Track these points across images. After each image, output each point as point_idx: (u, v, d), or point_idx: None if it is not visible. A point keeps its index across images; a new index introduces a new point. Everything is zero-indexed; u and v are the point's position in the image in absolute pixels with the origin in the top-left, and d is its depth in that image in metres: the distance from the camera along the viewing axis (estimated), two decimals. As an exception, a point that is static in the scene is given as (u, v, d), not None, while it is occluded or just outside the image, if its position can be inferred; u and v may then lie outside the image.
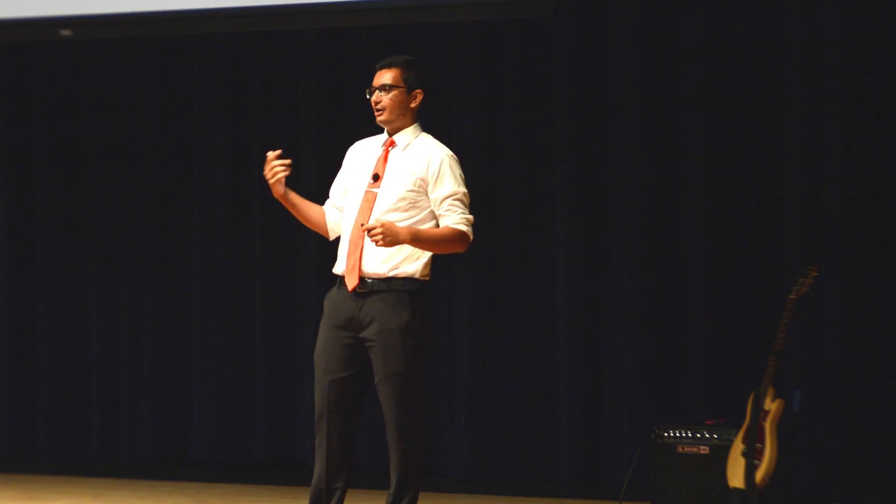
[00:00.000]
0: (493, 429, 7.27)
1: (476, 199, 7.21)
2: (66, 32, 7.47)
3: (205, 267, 7.80)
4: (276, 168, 5.01)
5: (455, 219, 4.93)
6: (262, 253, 7.72)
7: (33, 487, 7.40)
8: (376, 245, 4.79)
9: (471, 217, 4.97)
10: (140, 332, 7.89)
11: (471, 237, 4.96)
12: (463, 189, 4.98)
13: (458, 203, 4.96)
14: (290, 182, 7.60)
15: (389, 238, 4.77)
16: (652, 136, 7.05)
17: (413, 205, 4.95)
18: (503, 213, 7.30)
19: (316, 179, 7.41)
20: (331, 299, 5.02)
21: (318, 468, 5.05)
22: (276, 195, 5.08)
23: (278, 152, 5.00)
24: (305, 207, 5.18)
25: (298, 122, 7.67)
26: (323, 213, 5.17)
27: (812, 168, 6.78)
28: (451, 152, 5.03)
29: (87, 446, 7.96)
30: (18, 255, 8.14)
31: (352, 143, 5.23)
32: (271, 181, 5.04)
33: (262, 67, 7.77)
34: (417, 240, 4.86)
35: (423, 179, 4.95)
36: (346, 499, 5.09)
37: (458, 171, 5.01)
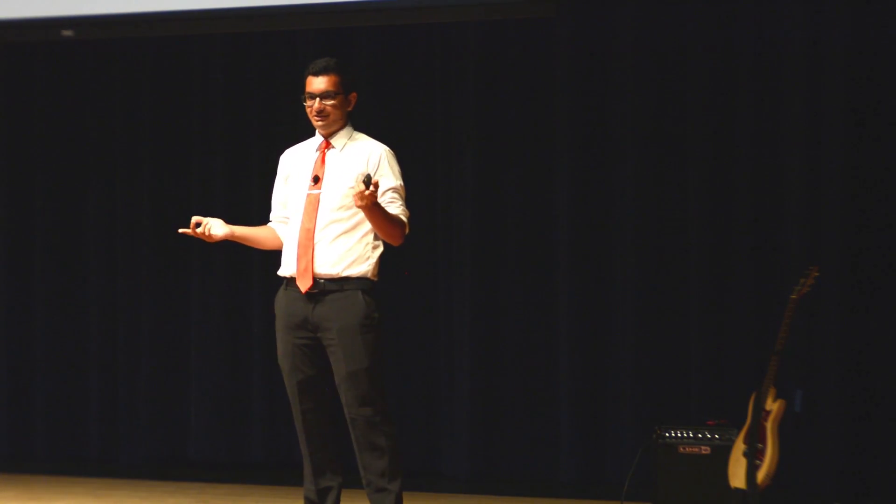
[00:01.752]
0: (494, 429, 7.26)
1: (477, 198, 7.30)
2: (67, 33, 7.47)
3: (203, 267, 7.79)
4: (200, 233, 5.09)
5: (396, 210, 4.99)
6: (261, 253, 7.69)
7: (34, 488, 7.39)
8: (357, 204, 4.79)
9: (406, 211, 5.03)
10: (139, 333, 7.88)
11: (406, 229, 5.02)
12: (400, 182, 5.05)
13: (396, 196, 5.02)
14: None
15: (368, 202, 4.77)
16: (653, 136, 7.05)
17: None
18: (505, 213, 7.30)
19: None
20: (280, 302, 5.09)
21: (306, 470, 5.09)
22: (220, 240, 5.12)
23: (193, 222, 5.07)
24: (254, 234, 5.26)
25: (298, 122, 7.65)
26: (273, 231, 5.25)
27: (813, 168, 6.77)
28: (387, 148, 5.10)
29: (85, 447, 7.95)
30: (17, 255, 8.13)
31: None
32: (208, 240, 5.11)
33: (261, 68, 7.77)
34: (380, 210, 4.86)
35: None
36: (344, 498, 5.09)
37: (395, 165, 5.07)
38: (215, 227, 5.10)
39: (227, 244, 7.66)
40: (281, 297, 5.09)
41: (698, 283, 6.93)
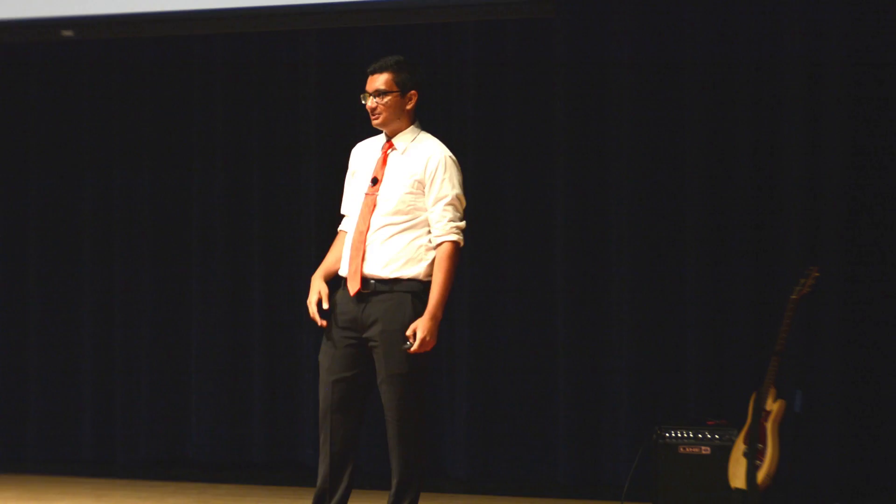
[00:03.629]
0: (494, 429, 7.26)
1: (476, 199, 7.27)
2: (67, 33, 7.47)
3: (203, 266, 7.78)
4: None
5: (442, 229, 4.97)
6: (262, 252, 7.71)
7: (33, 488, 7.39)
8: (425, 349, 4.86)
9: (461, 223, 5.00)
10: (138, 332, 7.87)
11: (461, 244, 5.00)
12: (456, 192, 5.00)
13: (449, 208, 4.98)
14: (291, 182, 7.67)
15: (430, 344, 4.86)
16: (652, 136, 7.05)
17: (412, 207, 4.98)
18: (503, 212, 7.30)
19: (316, 179, 7.42)
20: (335, 300, 5.04)
21: (322, 468, 5.07)
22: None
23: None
24: (336, 261, 5.13)
25: (299, 122, 7.67)
26: (342, 245, 5.15)
27: (813, 168, 6.77)
28: (449, 153, 5.04)
29: (84, 447, 7.94)
30: (12, 255, 8.11)
31: (352, 142, 5.23)
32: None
33: (262, 68, 7.76)
34: (440, 306, 4.90)
35: (419, 181, 4.98)
36: (349, 499, 5.09)
37: (454, 172, 5.02)
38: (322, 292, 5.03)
39: (231, 241, 7.73)
40: (337, 296, 5.04)
41: (698, 283, 6.93)
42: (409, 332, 4.86)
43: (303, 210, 7.57)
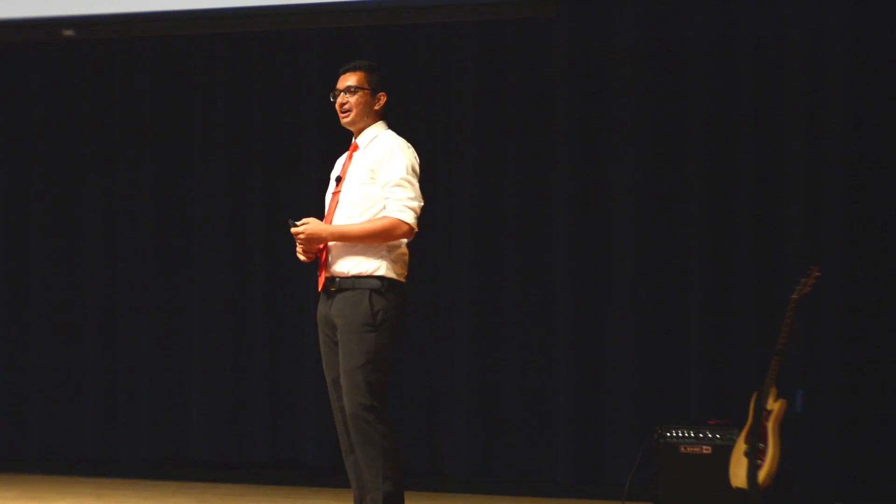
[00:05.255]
0: (494, 429, 7.26)
1: (476, 198, 7.30)
2: (69, 32, 7.47)
3: (205, 266, 7.79)
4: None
5: (393, 206, 4.98)
6: (263, 252, 7.71)
7: (35, 487, 7.39)
8: (299, 252, 4.98)
9: (413, 204, 4.99)
10: (139, 331, 7.87)
11: (410, 224, 4.98)
12: (402, 174, 5.00)
13: (395, 189, 4.99)
14: (292, 181, 7.67)
15: (307, 244, 4.96)
16: (653, 136, 7.06)
17: (366, 197, 5.01)
18: (504, 212, 7.30)
19: (316, 178, 7.40)
20: (319, 302, 5.13)
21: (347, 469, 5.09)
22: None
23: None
24: None
25: (299, 122, 7.67)
26: None
27: (814, 168, 6.78)
28: (402, 141, 5.09)
29: (86, 447, 7.94)
30: (14, 253, 8.12)
31: (352, 142, 5.27)
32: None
33: (263, 67, 7.77)
34: (343, 236, 4.95)
35: (372, 170, 5.03)
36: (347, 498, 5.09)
37: (402, 157, 5.03)
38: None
39: (232, 241, 7.73)
40: (319, 297, 5.14)
41: (699, 282, 6.93)
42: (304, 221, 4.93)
43: (304, 209, 7.56)
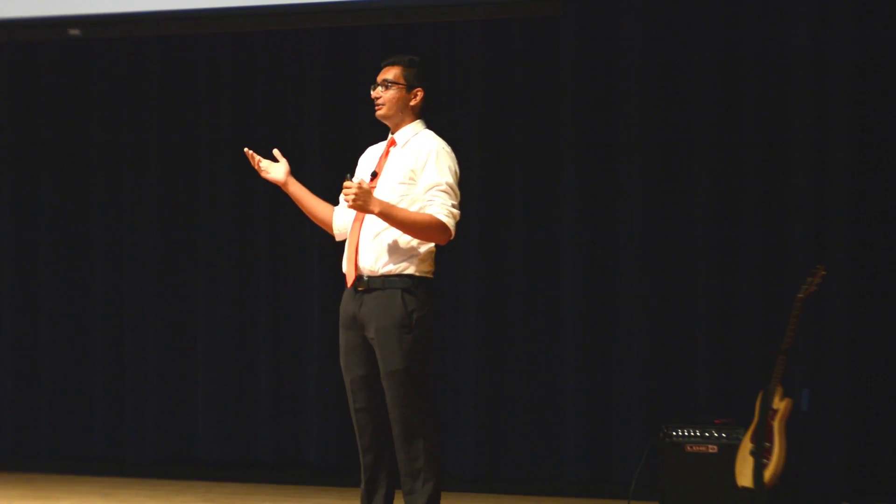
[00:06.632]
0: (500, 427, 7.26)
1: (483, 198, 7.29)
2: (74, 32, 7.48)
3: (210, 266, 7.79)
4: (257, 166, 5.25)
5: (436, 209, 4.89)
6: (268, 252, 7.71)
7: (41, 486, 7.40)
8: (347, 205, 4.83)
9: (455, 211, 4.92)
10: (145, 331, 7.88)
11: (451, 230, 4.90)
12: (448, 179, 4.93)
13: (440, 193, 4.91)
14: (296, 180, 7.65)
15: (360, 202, 4.78)
16: (660, 135, 7.05)
17: (403, 197, 4.93)
18: (510, 211, 7.30)
19: (321, 178, 7.40)
20: (342, 299, 5.05)
21: (362, 469, 5.05)
22: (275, 183, 5.22)
23: (251, 153, 5.21)
24: (311, 202, 5.22)
25: (303, 121, 7.67)
26: (331, 212, 5.19)
27: (820, 167, 6.77)
28: (445, 145, 5.02)
29: (91, 446, 7.95)
30: (23, 253, 8.13)
31: (356, 142, 5.26)
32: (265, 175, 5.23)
33: (267, 67, 7.77)
34: (388, 215, 4.83)
35: (413, 171, 4.96)
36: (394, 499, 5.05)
37: (447, 162, 4.96)
38: (273, 171, 5.20)
39: (238, 240, 7.73)
40: (344, 294, 5.05)
41: (705, 281, 6.92)
42: (360, 181, 4.81)
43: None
